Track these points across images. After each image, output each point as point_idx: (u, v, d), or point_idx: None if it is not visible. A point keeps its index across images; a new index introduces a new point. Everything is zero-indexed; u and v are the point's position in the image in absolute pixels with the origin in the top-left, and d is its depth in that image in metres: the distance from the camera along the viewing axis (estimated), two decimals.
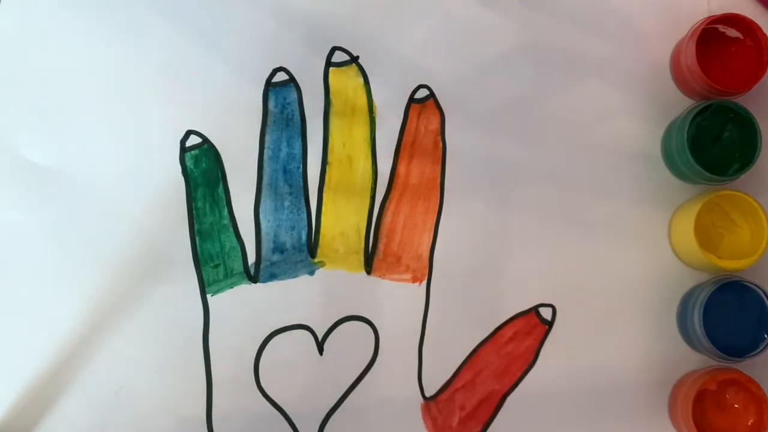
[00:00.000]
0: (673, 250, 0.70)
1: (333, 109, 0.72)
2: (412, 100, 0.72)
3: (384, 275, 0.70)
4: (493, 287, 0.70)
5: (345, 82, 0.72)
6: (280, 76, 0.72)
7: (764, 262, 0.66)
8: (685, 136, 0.66)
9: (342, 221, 0.71)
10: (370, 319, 0.70)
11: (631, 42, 0.72)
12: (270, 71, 0.72)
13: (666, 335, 0.69)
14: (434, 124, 0.72)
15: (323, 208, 0.71)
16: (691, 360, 0.69)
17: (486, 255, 0.70)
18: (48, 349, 0.69)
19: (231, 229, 0.71)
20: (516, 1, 0.72)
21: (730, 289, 0.66)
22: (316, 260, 0.71)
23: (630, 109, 0.71)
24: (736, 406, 0.66)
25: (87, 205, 0.71)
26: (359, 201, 0.71)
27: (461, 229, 0.71)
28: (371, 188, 0.71)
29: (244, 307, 0.70)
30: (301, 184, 0.71)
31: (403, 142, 0.72)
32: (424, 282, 0.70)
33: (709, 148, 0.67)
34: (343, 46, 0.72)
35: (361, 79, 0.72)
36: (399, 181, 0.71)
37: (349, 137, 0.72)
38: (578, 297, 0.70)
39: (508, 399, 0.69)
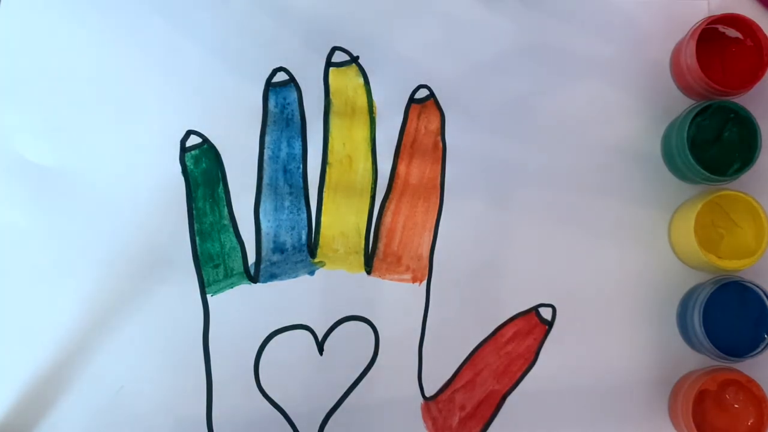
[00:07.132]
0: (673, 250, 0.70)
1: (333, 109, 0.72)
2: (412, 100, 0.72)
3: (384, 275, 0.70)
4: (493, 287, 0.70)
5: (345, 82, 0.72)
6: (280, 76, 0.72)
7: (764, 262, 0.66)
8: (685, 136, 0.66)
9: (342, 221, 0.71)
10: (370, 319, 0.70)
11: (631, 42, 0.72)
12: (270, 71, 0.72)
13: (666, 335, 0.69)
14: (434, 124, 0.72)
15: (323, 208, 0.71)
16: (691, 360, 0.69)
17: (486, 255, 0.70)
18: (48, 349, 0.69)
19: (231, 229, 0.71)
20: (516, 1, 0.72)
21: (730, 289, 0.66)
22: (316, 260, 0.71)
23: (630, 109, 0.71)
24: (736, 406, 0.66)
25: (87, 205, 0.71)
26: (359, 201, 0.71)
27: (461, 229, 0.71)
28: (371, 188, 0.71)
29: (244, 307, 0.70)
30: (301, 184, 0.71)
31: (403, 142, 0.72)
32: (424, 282, 0.70)
33: (709, 148, 0.67)
34: (343, 46, 0.72)
35: (361, 79, 0.72)
36: (399, 181, 0.71)
37: (349, 137, 0.72)
38: (578, 297, 0.70)
39: (508, 399, 0.69)
